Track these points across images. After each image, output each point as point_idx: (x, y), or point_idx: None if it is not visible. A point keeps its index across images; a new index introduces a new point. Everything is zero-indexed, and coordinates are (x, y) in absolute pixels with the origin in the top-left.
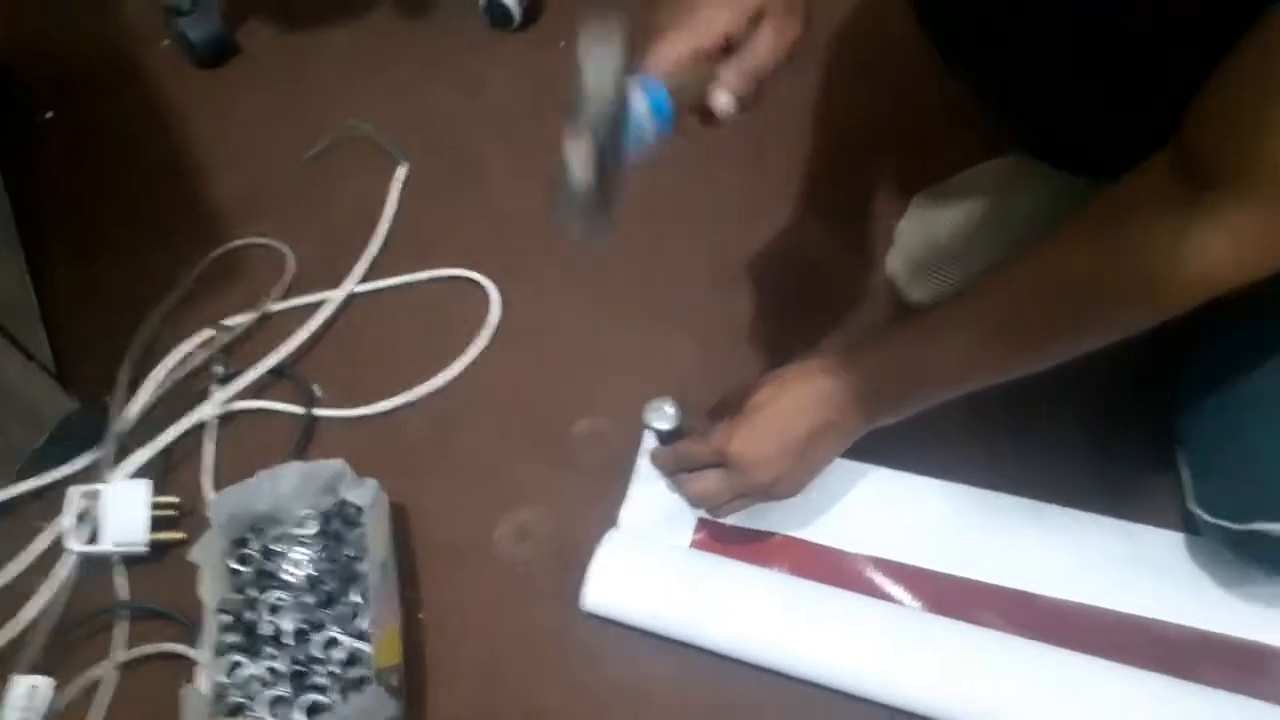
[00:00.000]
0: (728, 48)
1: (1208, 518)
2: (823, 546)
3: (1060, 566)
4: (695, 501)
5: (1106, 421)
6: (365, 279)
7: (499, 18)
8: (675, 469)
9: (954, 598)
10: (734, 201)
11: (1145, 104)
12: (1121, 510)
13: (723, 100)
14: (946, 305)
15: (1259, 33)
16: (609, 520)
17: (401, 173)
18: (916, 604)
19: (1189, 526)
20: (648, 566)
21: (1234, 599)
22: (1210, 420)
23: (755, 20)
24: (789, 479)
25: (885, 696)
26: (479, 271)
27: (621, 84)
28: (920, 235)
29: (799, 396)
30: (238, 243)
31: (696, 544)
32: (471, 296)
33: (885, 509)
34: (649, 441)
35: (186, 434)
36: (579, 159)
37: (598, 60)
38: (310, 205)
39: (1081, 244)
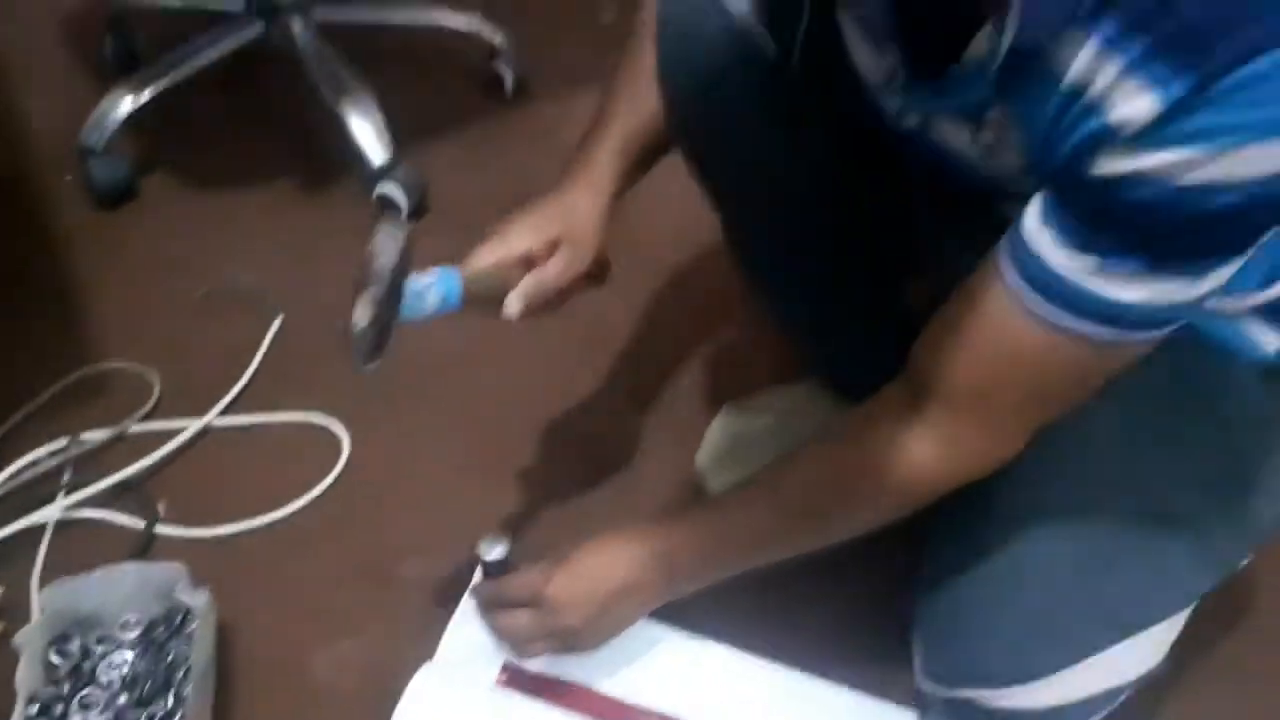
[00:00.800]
0: (530, 263)
1: (924, 688)
2: (613, 698)
3: None
4: (502, 636)
5: (871, 609)
6: (225, 412)
7: (387, 210)
8: (492, 602)
9: None
10: (581, 381)
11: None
12: (879, 689)
13: (512, 305)
14: (733, 495)
15: (966, 282)
16: (427, 656)
17: (276, 324)
18: None
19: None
20: (454, 702)
21: None
22: (930, 603)
23: (552, 248)
24: (592, 629)
25: None
26: (335, 418)
27: (400, 264)
28: (725, 437)
29: (615, 555)
30: (107, 365)
31: (501, 683)
32: (323, 440)
33: (674, 668)
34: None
35: (24, 533)
36: (359, 310)
37: (383, 243)
38: (184, 342)
39: (831, 453)
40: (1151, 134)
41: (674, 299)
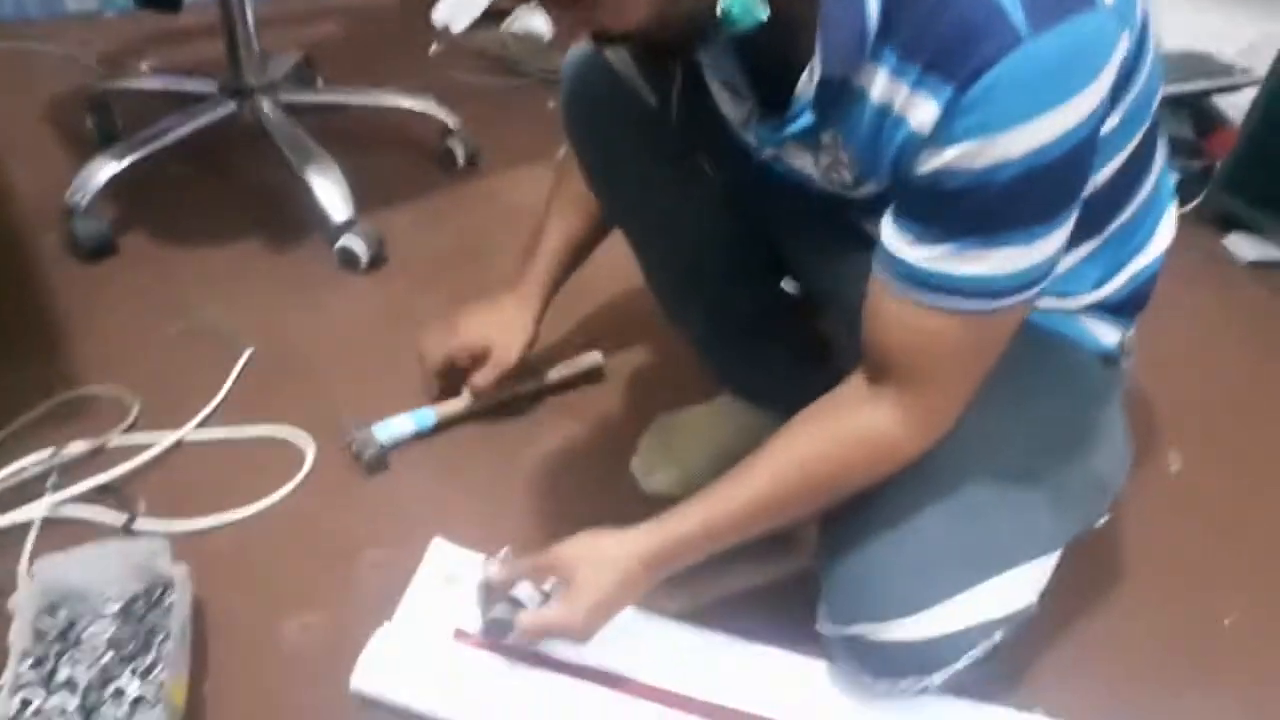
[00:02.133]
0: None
1: (825, 629)
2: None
3: (741, 684)
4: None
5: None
6: (200, 427)
7: (348, 260)
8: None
9: (653, 695)
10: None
11: (804, 365)
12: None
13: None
14: (718, 486)
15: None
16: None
17: (246, 355)
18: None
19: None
20: (412, 654)
21: (857, 706)
22: (828, 553)
23: (484, 352)
24: (593, 631)
25: None
26: (301, 431)
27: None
28: (655, 445)
29: (607, 569)
30: (89, 390)
31: (455, 639)
32: (289, 452)
33: (633, 636)
34: (430, 560)
35: (12, 529)
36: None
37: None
38: (160, 371)
39: (812, 431)
40: (942, 133)
41: (609, 327)
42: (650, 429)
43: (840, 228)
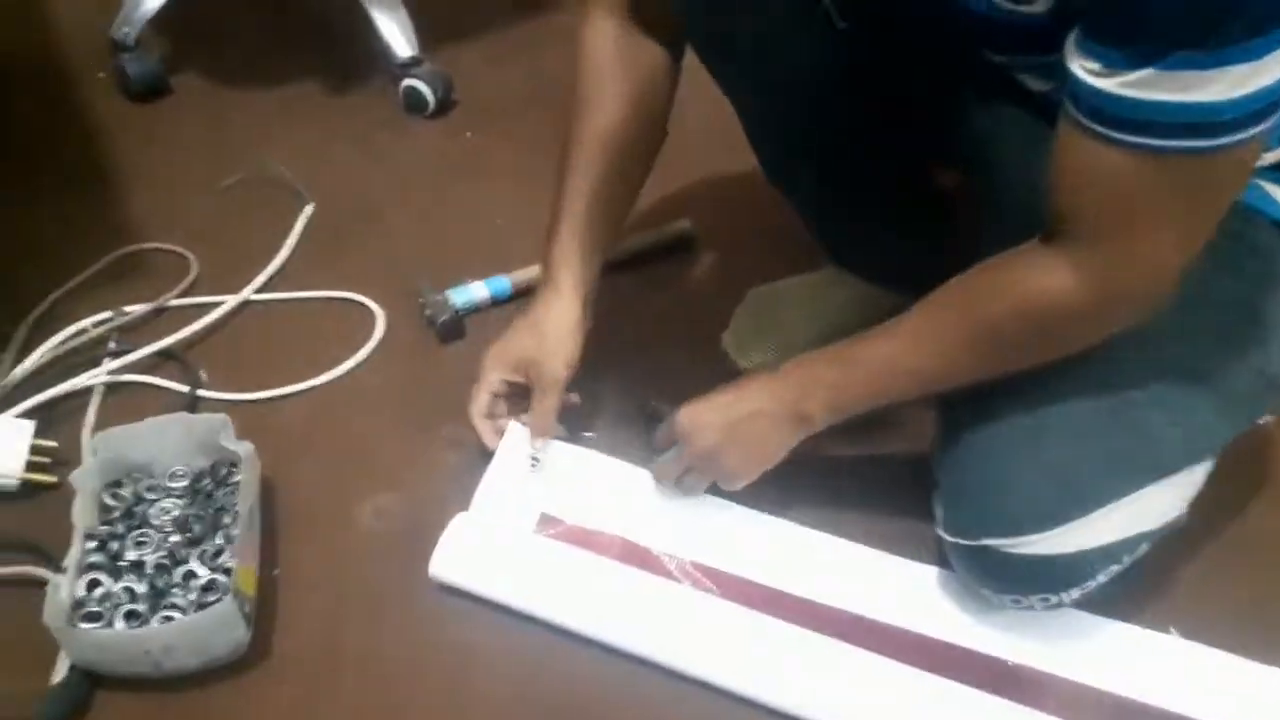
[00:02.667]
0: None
1: (947, 537)
2: (645, 547)
3: (841, 583)
4: (660, 479)
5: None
6: (262, 290)
7: (415, 104)
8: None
9: (751, 595)
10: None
11: (930, 234)
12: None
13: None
14: (892, 324)
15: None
16: (462, 509)
17: (308, 210)
18: (719, 595)
19: (943, 563)
20: (491, 542)
21: (973, 620)
22: (950, 456)
23: (530, 372)
24: (729, 454)
25: (681, 665)
26: (369, 297)
27: None
28: (751, 320)
29: (744, 385)
30: (146, 245)
31: (539, 530)
32: (358, 318)
33: (710, 525)
34: (509, 442)
35: (74, 394)
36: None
37: None
38: (219, 226)
39: (980, 283)
40: None
41: (701, 191)
42: (745, 302)
43: (991, 81)
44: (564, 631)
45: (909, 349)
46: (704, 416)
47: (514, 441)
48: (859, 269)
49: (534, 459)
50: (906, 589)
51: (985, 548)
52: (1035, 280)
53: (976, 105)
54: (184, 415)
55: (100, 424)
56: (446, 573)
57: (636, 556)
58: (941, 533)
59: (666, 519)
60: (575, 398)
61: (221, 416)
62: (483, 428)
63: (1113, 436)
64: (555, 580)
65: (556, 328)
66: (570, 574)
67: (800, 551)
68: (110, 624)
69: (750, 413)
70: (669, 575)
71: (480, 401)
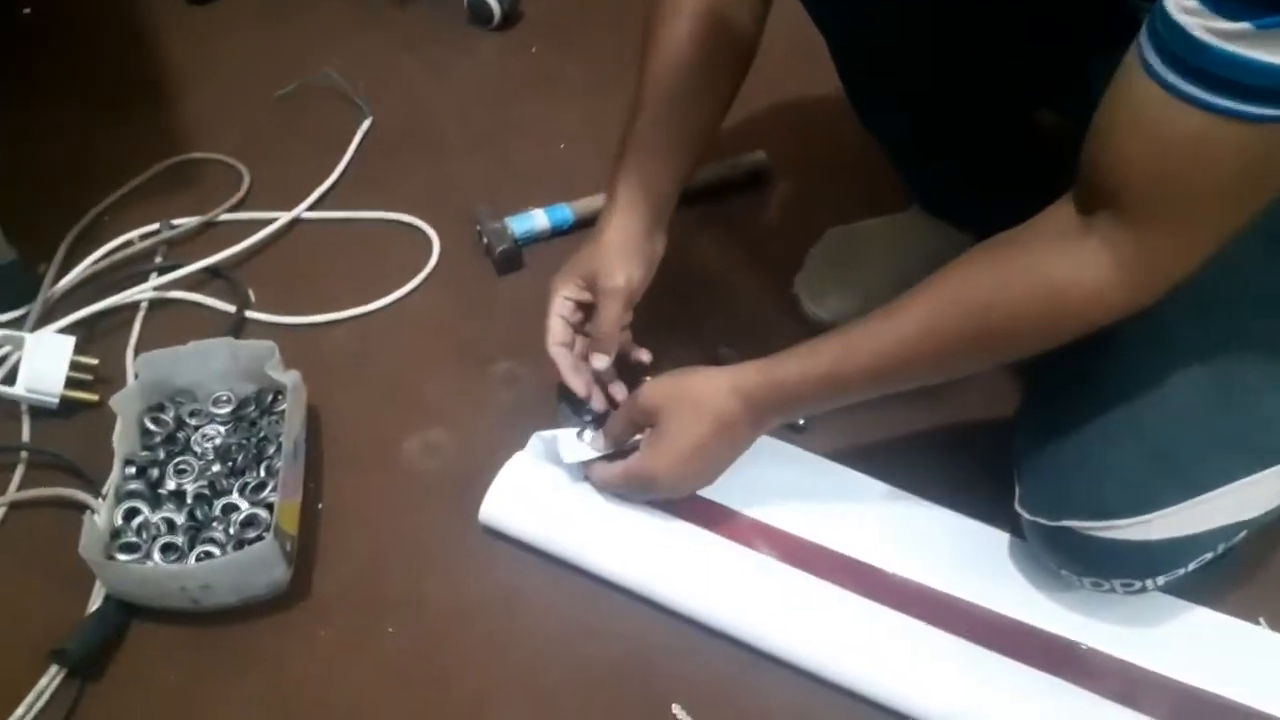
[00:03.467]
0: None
1: (1026, 515)
2: (707, 500)
3: (907, 548)
4: (598, 486)
5: (971, 436)
6: (315, 207)
7: (480, 15)
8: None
9: (813, 560)
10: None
11: (1030, 179)
12: (967, 509)
13: (599, 362)
14: (864, 325)
15: (1115, 82)
16: (511, 449)
17: (365, 124)
18: (778, 559)
19: (1017, 532)
20: (546, 488)
21: (1046, 597)
22: (1035, 438)
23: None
24: (684, 485)
25: (735, 629)
26: (425, 221)
27: None
28: (826, 263)
29: (710, 423)
30: (197, 155)
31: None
32: (413, 241)
33: (768, 476)
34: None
35: (118, 310)
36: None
37: None
38: (273, 137)
39: (990, 265)
40: None
41: (777, 123)
42: (821, 243)
43: (1108, 19)
44: (615, 586)
45: (899, 355)
46: (664, 469)
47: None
48: (947, 213)
49: (591, 418)
50: (976, 557)
51: (1067, 529)
52: (1067, 270)
53: (1088, 45)
54: (230, 341)
55: (144, 342)
56: (498, 518)
57: (699, 511)
58: (1020, 509)
59: (733, 472)
60: (645, 355)
61: (269, 344)
62: (561, 358)
63: (1222, 419)
64: (610, 533)
65: (616, 240)
66: (626, 526)
67: (866, 510)
68: (148, 556)
69: (723, 448)
70: (730, 533)
71: (554, 329)
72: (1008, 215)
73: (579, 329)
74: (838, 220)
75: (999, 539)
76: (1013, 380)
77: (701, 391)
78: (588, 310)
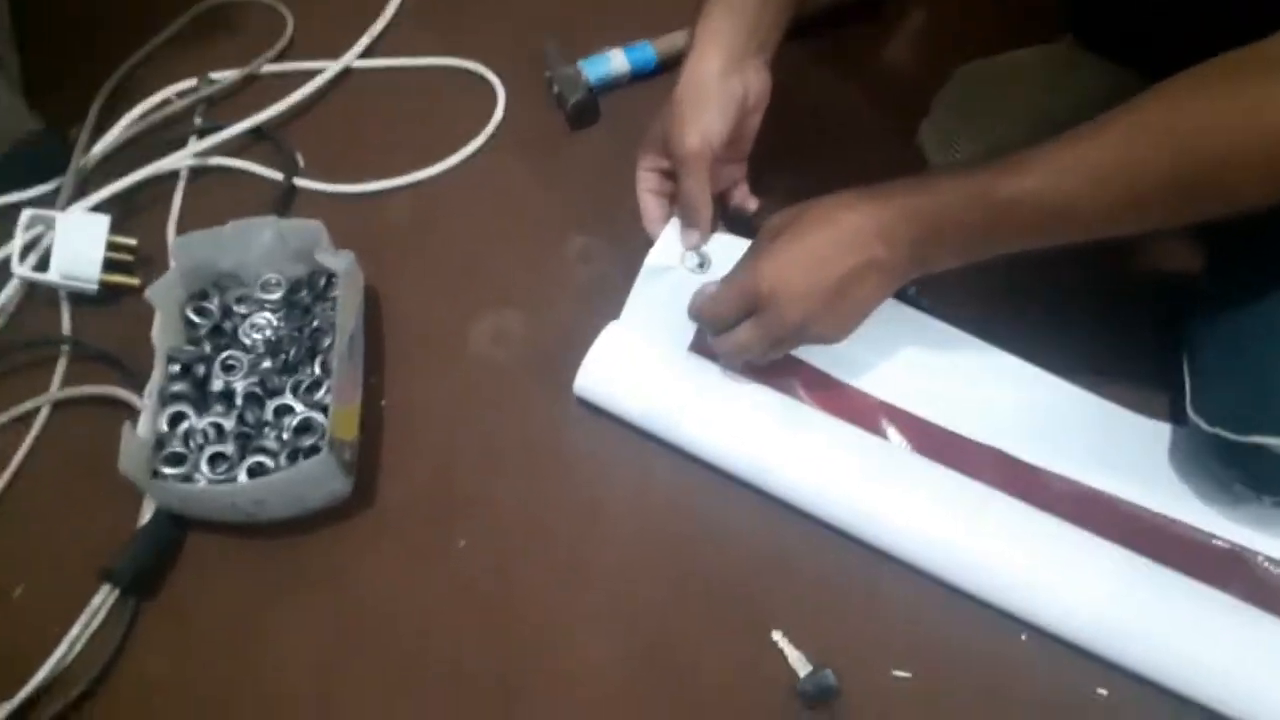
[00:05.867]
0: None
1: (1205, 426)
2: (825, 374)
3: (1050, 436)
4: (732, 357)
5: (1125, 308)
6: (367, 54)
7: None
8: (706, 316)
9: (945, 448)
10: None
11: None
12: (1117, 396)
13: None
14: (1040, 148)
15: None
16: (591, 335)
17: None
18: (907, 446)
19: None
20: (645, 360)
21: (1206, 500)
22: (1222, 331)
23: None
24: (825, 321)
25: (857, 527)
26: (488, 68)
27: None
28: (957, 107)
29: (840, 229)
30: None
31: (696, 347)
32: (477, 92)
33: (895, 350)
34: (663, 245)
35: (155, 180)
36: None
37: None
38: None
39: (1202, 92)
40: None
41: None
42: (951, 83)
43: None
44: (718, 478)
45: (1082, 186)
46: (795, 282)
47: (670, 241)
48: (1108, 44)
49: (698, 260)
50: (1139, 454)
51: (1257, 446)
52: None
53: None
54: (274, 221)
55: (185, 217)
56: (592, 391)
57: (809, 385)
58: (1194, 414)
59: (864, 342)
60: (752, 202)
61: (316, 224)
62: (654, 233)
63: None
64: (715, 409)
65: (689, 90)
66: (731, 406)
67: (1007, 393)
68: (195, 468)
69: (856, 269)
70: (854, 415)
71: (647, 207)
72: (1181, 48)
73: (674, 197)
74: (974, 54)
75: (1159, 432)
76: (1187, 250)
77: (829, 202)
78: (675, 177)
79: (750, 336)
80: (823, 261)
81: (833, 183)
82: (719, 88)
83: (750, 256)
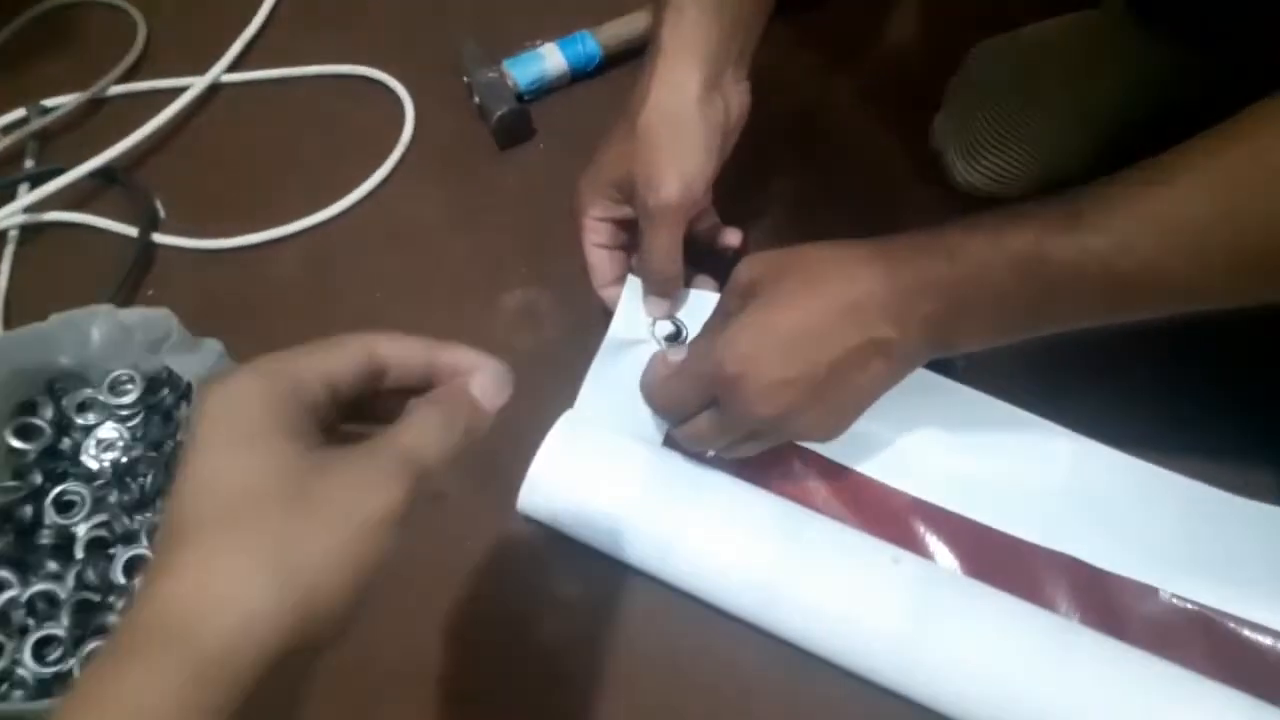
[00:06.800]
0: None
1: None
2: (840, 466)
3: (1136, 536)
4: (694, 446)
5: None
6: (237, 67)
7: None
8: (661, 406)
9: (1008, 560)
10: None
11: None
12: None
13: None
14: (1103, 187)
15: None
16: (539, 421)
17: None
18: (957, 566)
19: None
20: (605, 463)
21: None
22: None
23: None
24: (808, 416)
25: (904, 686)
26: (391, 75)
27: None
28: (980, 96)
29: (834, 299)
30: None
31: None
32: (379, 106)
33: (924, 428)
34: (629, 297)
35: None
36: None
37: None
38: None
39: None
40: None
41: None
42: (970, 64)
43: None
44: (691, 601)
45: (1175, 245)
46: (769, 366)
47: (632, 309)
48: (1163, 15)
49: (672, 329)
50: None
51: None
52: None
53: None
54: (108, 311)
55: (14, 292)
56: (540, 509)
57: (838, 488)
58: None
59: (877, 420)
60: (734, 236)
61: (163, 312)
62: (608, 297)
63: None
64: (699, 530)
65: (662, 121)
66: (724, 519)
67: (1078, 482)
68: (17, 661)
69: (853, 354)
70: (875, 519)
71: (596, 266)
72: (1252, 24)
73: (632, 249)
74: (997, 26)
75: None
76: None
77: (818, 255)
78: (634, 227)
79: (711, 429)
80: (809, 341)
81: (823, 206)
82: (699, 115)
83: (713, 324)
